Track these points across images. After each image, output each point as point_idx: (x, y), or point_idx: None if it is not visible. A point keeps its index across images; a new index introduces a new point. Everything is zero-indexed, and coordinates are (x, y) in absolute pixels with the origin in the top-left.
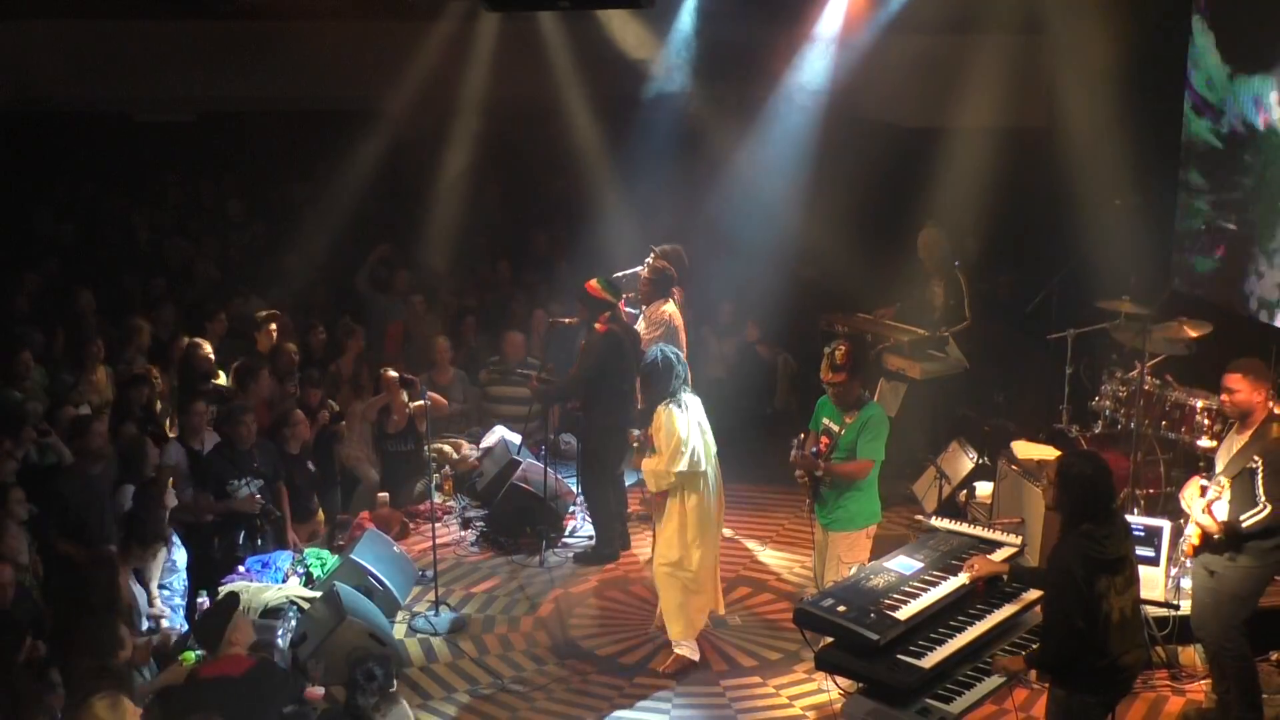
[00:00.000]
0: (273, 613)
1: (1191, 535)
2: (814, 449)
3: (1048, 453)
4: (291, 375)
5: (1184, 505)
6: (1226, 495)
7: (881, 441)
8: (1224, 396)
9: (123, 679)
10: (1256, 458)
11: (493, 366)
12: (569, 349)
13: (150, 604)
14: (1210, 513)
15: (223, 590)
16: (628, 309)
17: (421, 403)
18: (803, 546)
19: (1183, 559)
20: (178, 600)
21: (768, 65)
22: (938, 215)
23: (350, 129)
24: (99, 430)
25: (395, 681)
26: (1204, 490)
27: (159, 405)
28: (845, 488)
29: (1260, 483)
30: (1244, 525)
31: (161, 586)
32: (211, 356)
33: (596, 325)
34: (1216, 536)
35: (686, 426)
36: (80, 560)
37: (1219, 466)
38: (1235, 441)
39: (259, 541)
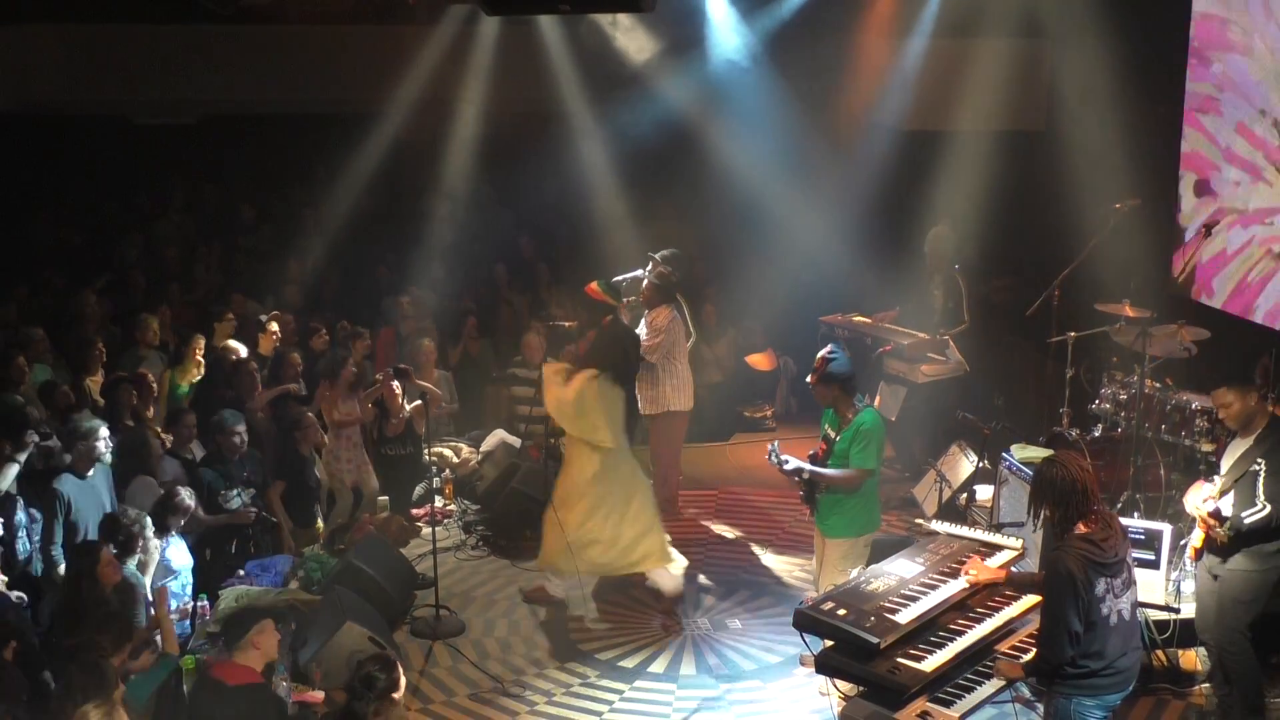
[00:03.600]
0: None
1: (1195, 539)
2: (812, 453)
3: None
4: (297, 380)
5: (1188, 510)
6: (1219, 491)
7: (873, 451)
8: (1221, 414)
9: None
10: (1260, 460)
11: (515, 364)
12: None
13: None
14: (1205, 511)
15: (222, 595)
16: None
17: (418, 403)
18: (804, 550)
19: (1186, 563)
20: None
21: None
22: (937, 218)
23: (351, 132)
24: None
25: (400, 685)
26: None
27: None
28: (841, 495)
29: (1262, 483)
30: (1245, 523)
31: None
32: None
33: (602, 324)
34: (1215, 532)
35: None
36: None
37: (1224, 471)
38: (1239, 446)
39: (252, 549)
